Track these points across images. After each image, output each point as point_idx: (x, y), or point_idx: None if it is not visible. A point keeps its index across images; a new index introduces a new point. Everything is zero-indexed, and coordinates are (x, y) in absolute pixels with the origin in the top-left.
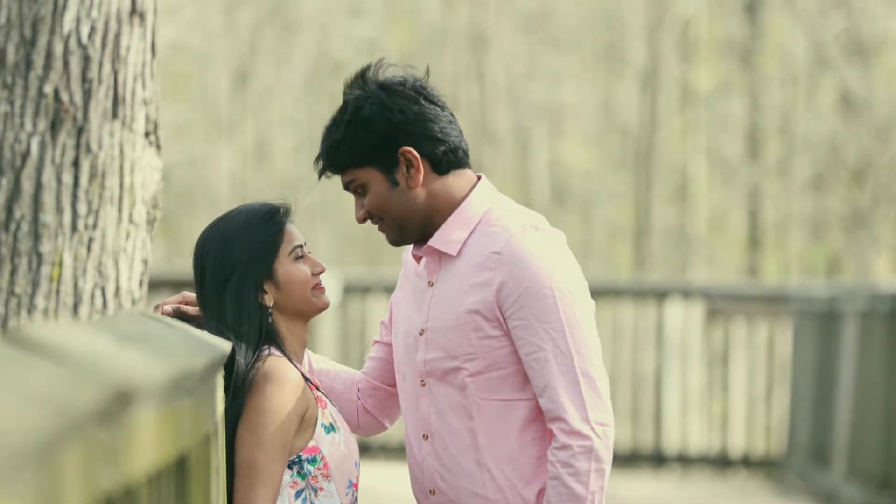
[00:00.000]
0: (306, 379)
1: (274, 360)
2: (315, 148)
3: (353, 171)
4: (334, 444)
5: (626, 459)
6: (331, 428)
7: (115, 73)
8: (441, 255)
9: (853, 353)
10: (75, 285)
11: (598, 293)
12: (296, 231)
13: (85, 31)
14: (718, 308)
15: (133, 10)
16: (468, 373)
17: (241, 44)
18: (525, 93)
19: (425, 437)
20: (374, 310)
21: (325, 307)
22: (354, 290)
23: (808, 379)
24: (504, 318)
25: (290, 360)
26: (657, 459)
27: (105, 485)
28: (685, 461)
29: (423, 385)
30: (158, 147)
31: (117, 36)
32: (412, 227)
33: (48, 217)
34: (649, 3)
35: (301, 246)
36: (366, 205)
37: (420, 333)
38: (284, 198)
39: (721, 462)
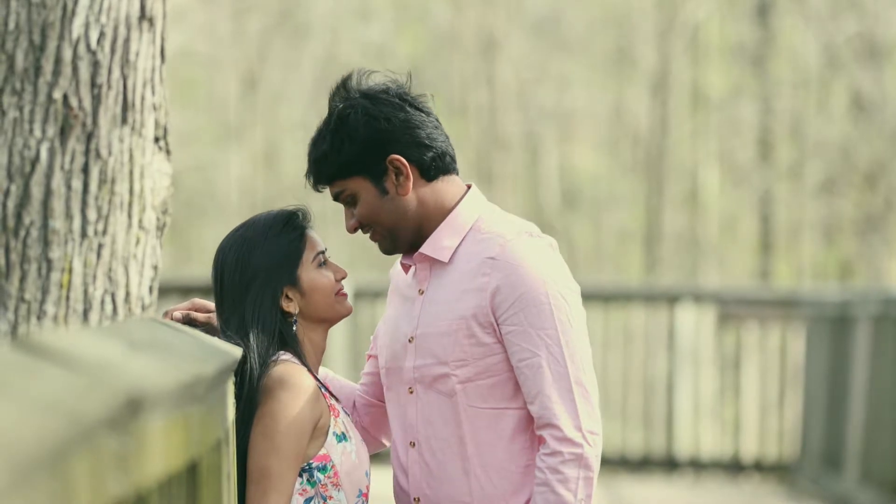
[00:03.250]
0: (320, 386)
1: (288, 366)
2: None
3: (341, 182)
4: (345, 453)
5: (638, 464)
6: (342, 437)
7: (125, 78)
8: (432, 263)
9: (866, 358)
10: (85, 291)
11: (608, 298)
12: (317, 237)
13: (94, 36)
14: (730, 313)
15: (142, 16)
16: (458, 379)
17: (249, 49)
18: (535, 97)
19: (412, 444)
20: (383, 315)
21: (348, 313)
22: (365, 295)
23: (820, 383)
24: (497, 324)
25: (307, 366)
26: (669, 464)
27: (116, 492)
28: (697, 466)
29: (411, 392)
30: (168, 152)
31: (126, 41)
32: (404, 235)
33: (57, 223)
34: (659, 8)
35: (323, 252)
36: (356, 215)
37: (409, 341)
38: (302, 204)
39: (733, 467)
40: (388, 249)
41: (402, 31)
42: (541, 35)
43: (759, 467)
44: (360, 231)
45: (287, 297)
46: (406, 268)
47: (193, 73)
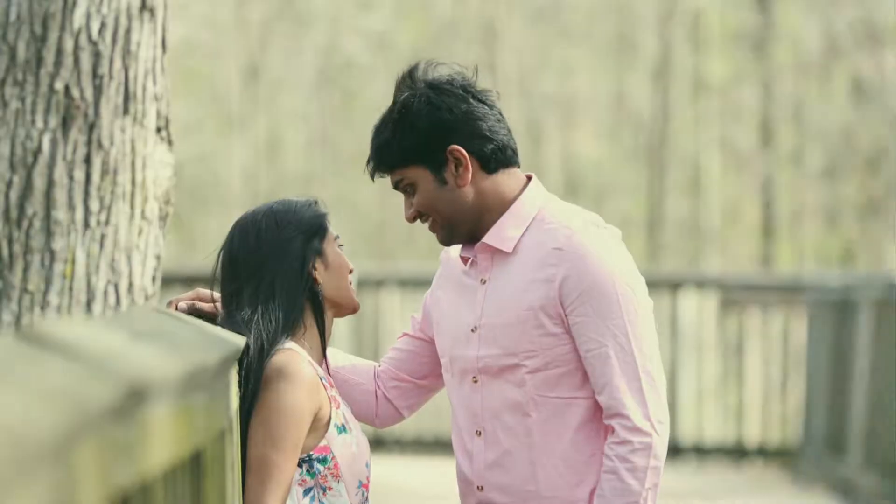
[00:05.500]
0: (321, 377)
1: (288, 355)
2: (327, 142)
3: (401, 171)
4: (346, 444)
5: None
6: (343, 428)
7: (126, 68)
8: (494, 253)
9: (868, 342)
10: (88, 282)
11: None
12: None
13: (95, 27)
14: (733, 298)
15: (143, 6)
16: (527, 370)
17: (251, 39)
18: (537, 85)
19: (478, 433)
20: (387, 304)
21: (357, 307)
22: (368, 284)
23: (823, 368)
24: (566, 314)
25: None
26: (673, 450)
27: (120, 481)
28: (701, 452)
29: (476, 381)
30: (170, 143)
31: (128, 32)
32: (462, 226)
33: (60, 214)
34: None
35: (338, 237)
36: (415, 204)
37: (472, 330)
38: (312, 196)
39: (737, 452)
40: (445, 240)
41: (403, 20)
42: (542, 22)
43: (763, 452)
44: (418, 220)
45: (313, 265)
46: (465, 260)
47: (195, 64)
